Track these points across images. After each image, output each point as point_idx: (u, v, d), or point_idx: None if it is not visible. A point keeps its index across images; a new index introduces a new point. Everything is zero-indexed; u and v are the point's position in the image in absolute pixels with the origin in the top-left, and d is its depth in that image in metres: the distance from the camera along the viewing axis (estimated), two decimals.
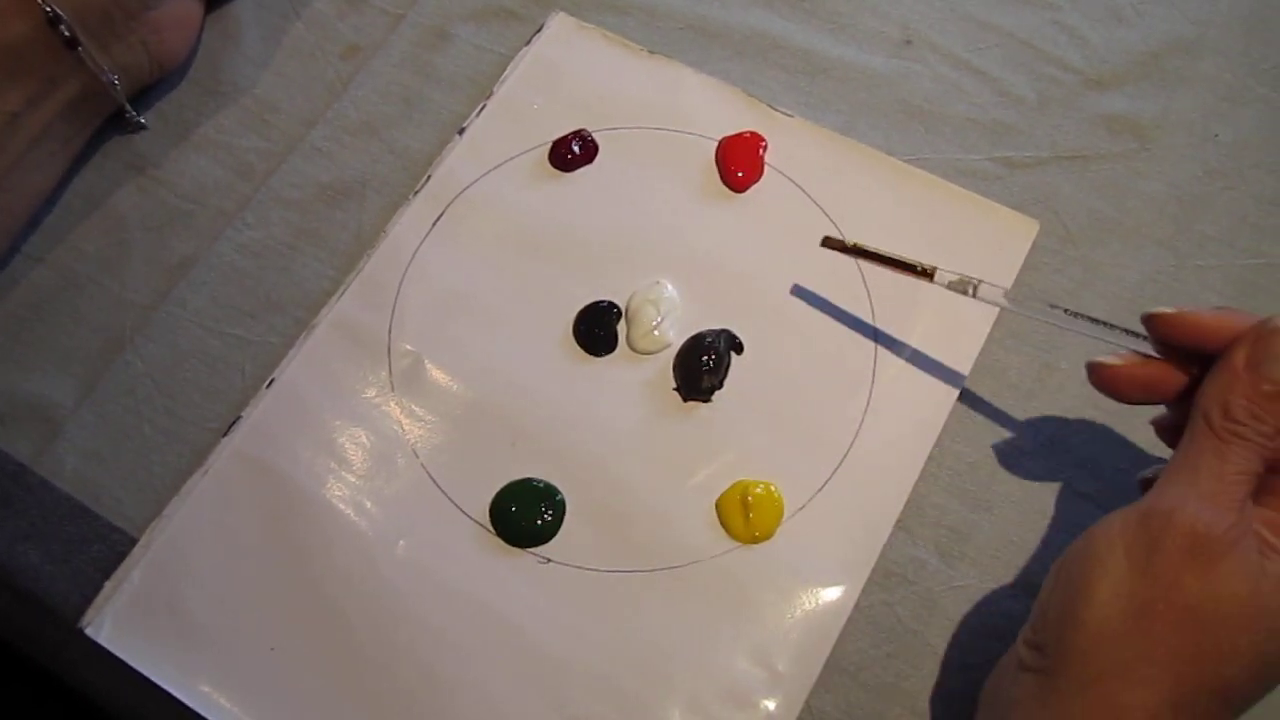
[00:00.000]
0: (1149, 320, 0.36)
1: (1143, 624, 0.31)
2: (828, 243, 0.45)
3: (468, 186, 0.50)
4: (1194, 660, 0.31)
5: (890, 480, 0.43)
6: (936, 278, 0.41)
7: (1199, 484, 0.32)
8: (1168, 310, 0.36)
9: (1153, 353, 0.37)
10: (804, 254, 0.48)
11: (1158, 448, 0.43)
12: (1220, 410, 0.33)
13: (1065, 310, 0.39)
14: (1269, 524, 0.32)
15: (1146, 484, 0.38)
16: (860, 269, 0.47)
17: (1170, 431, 0.38)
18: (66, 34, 0.46)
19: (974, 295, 0.41)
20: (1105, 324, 0.38)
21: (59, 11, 0.45)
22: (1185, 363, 0.36)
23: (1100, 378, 0.37)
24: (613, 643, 0.41)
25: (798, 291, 0.47)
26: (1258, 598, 0.31)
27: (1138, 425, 0.44)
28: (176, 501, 0.44)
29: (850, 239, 0.44)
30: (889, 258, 0.43)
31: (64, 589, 0.43)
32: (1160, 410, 0.39)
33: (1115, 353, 0.37)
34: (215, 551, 0.43)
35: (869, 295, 0.47)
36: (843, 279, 0.47)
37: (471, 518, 0.44)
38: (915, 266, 0.42)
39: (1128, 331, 0.38)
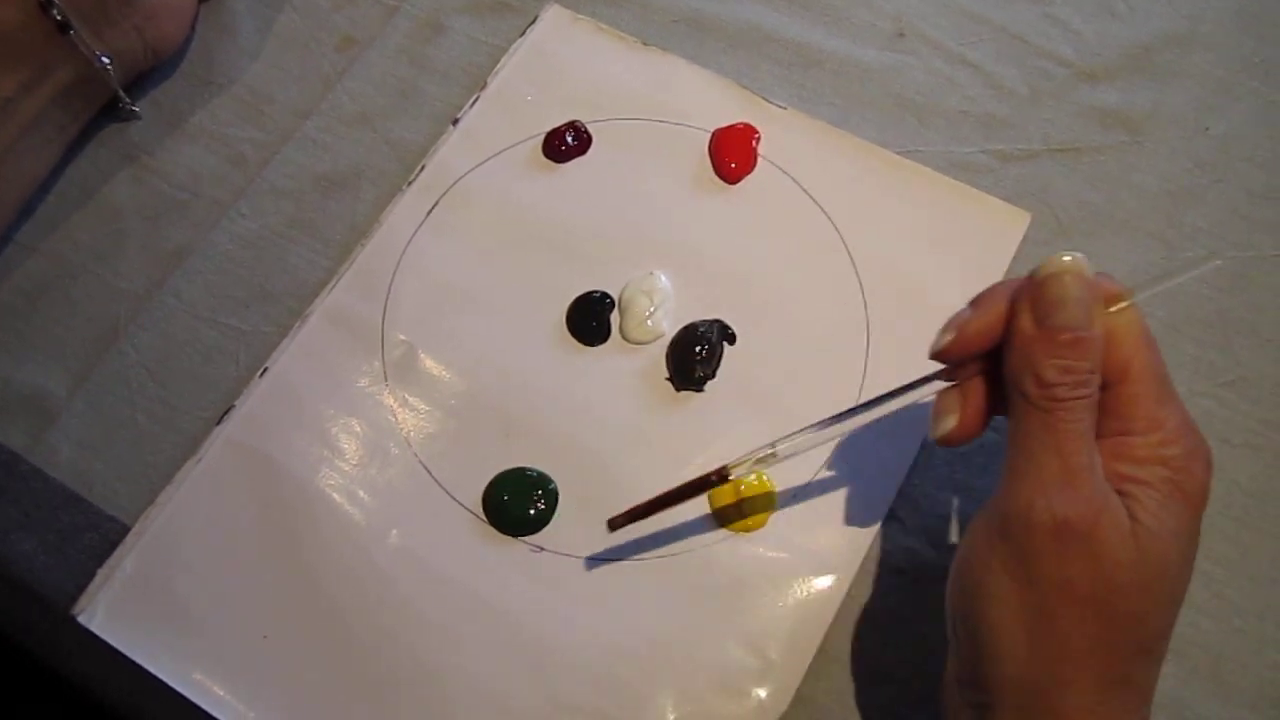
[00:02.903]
0: (940, 355, 0.35)
1: (1048, 632, 0.31)
2: (614, 524, 0.40)
3: (461, 177, 0.50)
4: (1108, 640, 0.31)
5: (882, 470, 0.43)
6: (733, 474, 0.38)
7: (1042, 469, 0.31)
8: (949, 337, 0.34)
9: (948, 381, 0.36)
10: (796, 245, 0.48)
11: None
12: (1033, 381, 0.31)
13: (835, 416, 0.37)
14: (1114, 455, 0.32)
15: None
16: (852, 258, 0.47)
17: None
18: (59, 18, 0.46)
19: (774, 454, 0.38)
20: (891, 394, 0.37)
21: None
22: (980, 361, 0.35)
23: (952, 440, 0.35)
24: (605, 631, 0.41)
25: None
26: (1142, 553, 0.30)
27: None
28: (170, 490, 0.44)
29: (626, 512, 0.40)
30: (676, 490, 0.39)
31: (57, 577, 0.43)
32: None
33: (935, 415, 0.36)
34: (208, 540, 0.43)
35: (861, 285, 0.47)
36: (835, 270, 0.47)
37: (464, 506, 0.44)
38: (706, 479, 0.39)
39: (912, 385, 0.36)
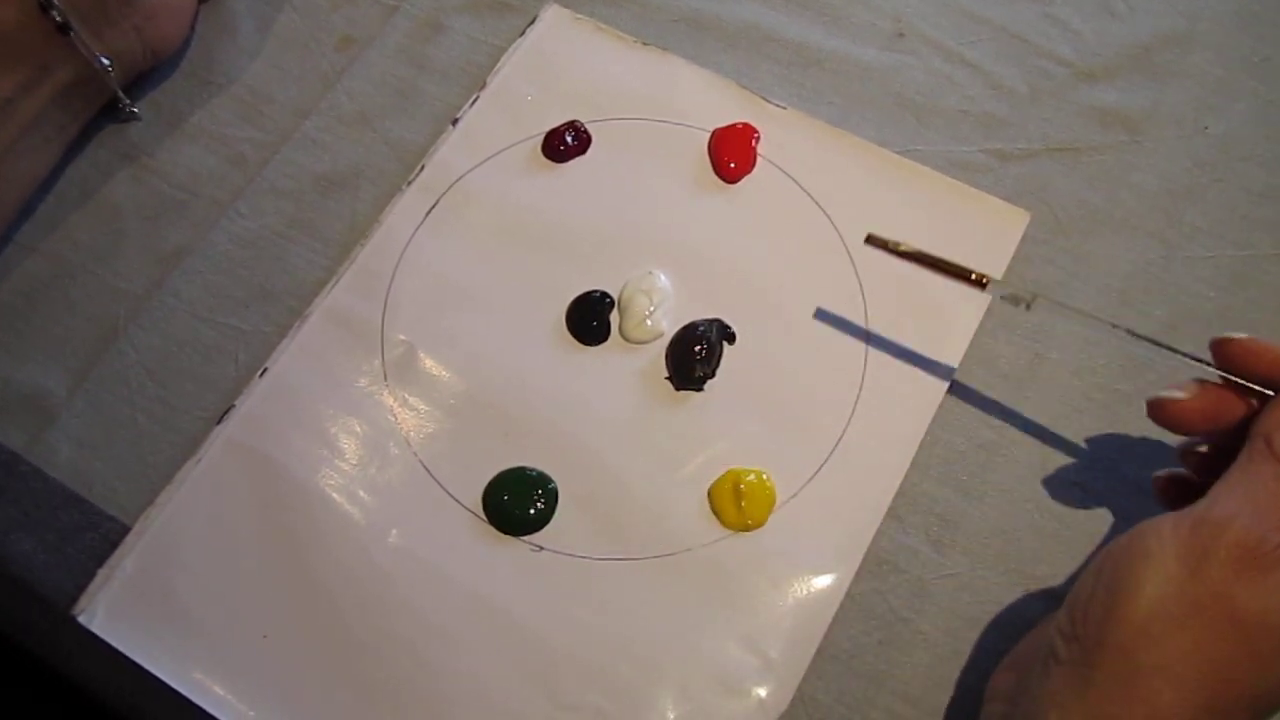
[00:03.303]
0: (1220, 345, 0.36)
1: (1188, 626, 0.31)
2: (872, 240, 0.42)
3: (461, 177, 0.50)
4: (1233, 668, 0.31)
5: (881, 469, 0.43)
6: (989, 289, 0.40)
7: (1255, 500, 0.32)
8: (1240, 336, 0.35)
9: (1205, 377, 0.36)
10: (796, 244, 0.48)
11: (1146, 436, 0.43)
12: None
13: (1128, 330, 0.38)
14: None
15: (1161, 484, 0.39)
16: (851, 257, 0.47)
17: (1172, 489, 0.38)
18: (58, 19, 0.46)
19: (1028, 308, 0.40)
20: (1163, 346, 0.38)
21: None
22: (1243, 391, 0.36)
23: (1166, 413, 0.37)
24: (605, 631, 0.41)
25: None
26: None
27: (1126, 416, 0.44)
28: (169, 490, 0.44)
29: (891, 240, 0.42)
30: (940, 262, 0.41)
31: (57, 577, 0.43)
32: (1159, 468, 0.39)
33: (1173, 385, 0.37)
34: (208, 540, 0.43)
35: (860, 285, 0.47)
36: (834, 270, 0.47)
37: (464, 506, 0.44)
38: (969, 274, 0.40)
39: (1184, 354, 0.37)
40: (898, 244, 0.42)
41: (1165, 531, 0.33)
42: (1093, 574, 0.34)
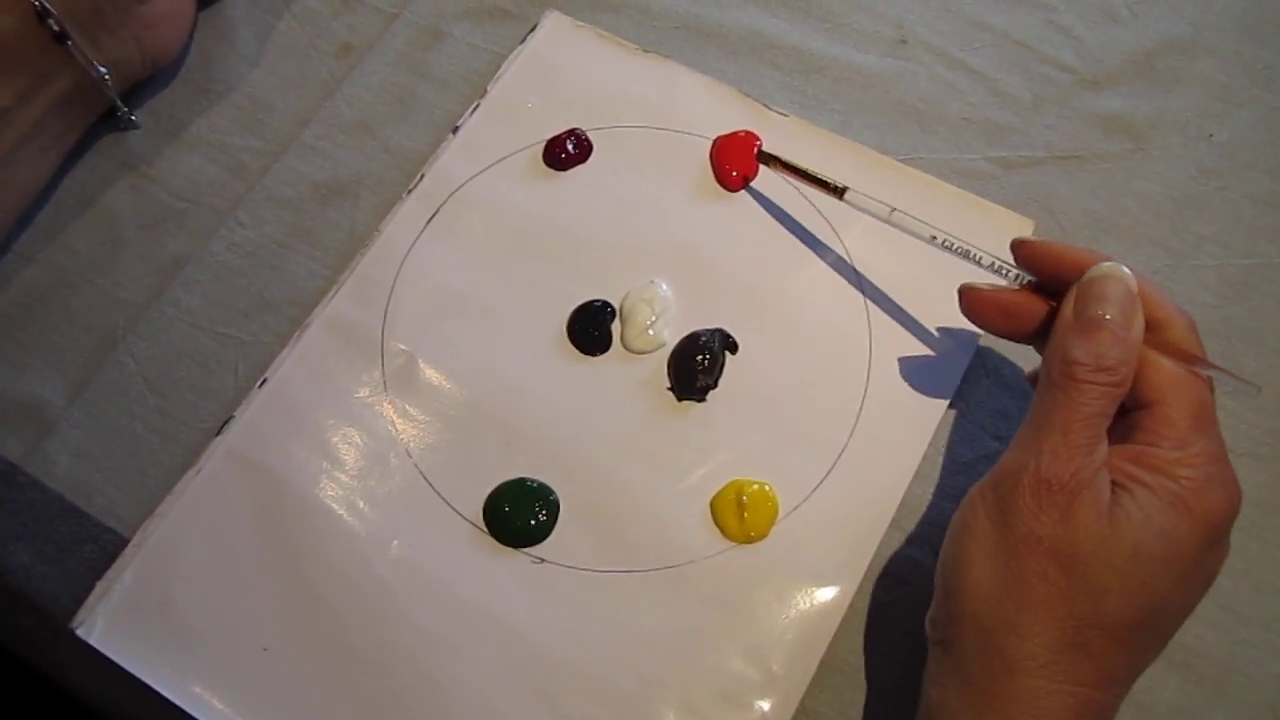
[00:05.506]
0: (1015, 246, 0.39)
1: (1014, 579, 0.33)
2: (760, 156, 0.48)
3: (462, 185, 0.50)
4: (1068, 601, 0.32)
5: (885, 480, 0.43)
6: (847, 196, 0.44)
7: (1041, 441, 0.34)
8: (1031, 238, 0.39)
9: (1030, 278, 0.39)
10: (798, 253, 0.48)
11: None
12: (1060, 359, 0.34)
13: (931, 236, 0.42)
14: (1129, 458, 0.34)
15: (1032, 380, 0.41)
16: (854, 267, 0.47)
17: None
18: (55, 28, 0.45)
19: (889, 220, 0.43)
20: (985, 259, 0.40)
21: (48, 5, 0.45)
22: (1049, 297, 0.38)
23: (967, 301, 0.40)
24: (607, 643, 0.41)
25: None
26: (1115, 530, 0.32)
27: None
28: (169, 501, 0.44)
29: (774, 155, 0.47)
30: (805, 173, 0.46)
31: (55, 589, 0.43)
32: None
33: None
34: (208, 551, 0.43)
35: (864, 295, 0.47)
36: (837, 280, 0.47)
37: (465, 518, 0.44)
38: (827, 183, 0.45)
39: (1007, 264, 0.40)
40: (780, 159, 0.47)
41: (976, 499, 0.35)
42: (938, 569, 0.36)
